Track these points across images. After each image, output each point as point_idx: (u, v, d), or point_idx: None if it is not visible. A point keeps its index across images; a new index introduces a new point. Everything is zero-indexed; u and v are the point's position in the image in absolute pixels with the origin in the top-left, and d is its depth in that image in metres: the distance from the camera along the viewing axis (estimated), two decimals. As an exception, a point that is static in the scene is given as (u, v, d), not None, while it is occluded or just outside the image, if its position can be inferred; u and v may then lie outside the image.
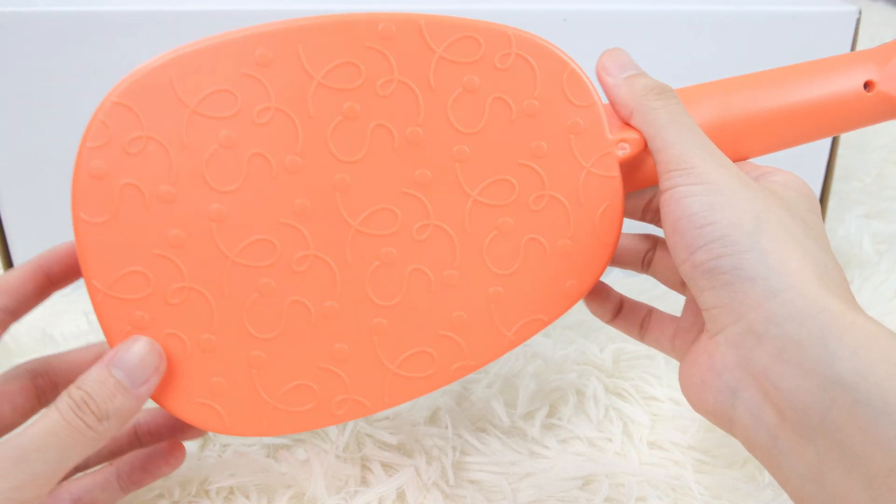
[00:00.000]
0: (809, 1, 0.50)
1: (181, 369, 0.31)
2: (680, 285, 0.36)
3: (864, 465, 0.24)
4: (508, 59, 0.32)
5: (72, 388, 0.28)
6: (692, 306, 0.34)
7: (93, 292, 0.30)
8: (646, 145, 0.32)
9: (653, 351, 0.46)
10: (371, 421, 0.40)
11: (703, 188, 0.28)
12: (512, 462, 0.38)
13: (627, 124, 0.33)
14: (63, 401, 0.28)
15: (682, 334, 0.34)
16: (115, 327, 0.30)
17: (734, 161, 0.33)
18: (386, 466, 0.38)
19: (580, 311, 0.49)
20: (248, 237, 0.31)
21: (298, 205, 0.31)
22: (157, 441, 0.35)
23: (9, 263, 0.52)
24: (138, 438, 0.35)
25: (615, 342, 0.47)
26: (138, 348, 0.29)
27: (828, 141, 0.53)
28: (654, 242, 0.37)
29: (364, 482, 0.37)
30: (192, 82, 0.30)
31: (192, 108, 0.30)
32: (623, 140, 0.33)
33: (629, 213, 0.36)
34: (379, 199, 0.31)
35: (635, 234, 0.37)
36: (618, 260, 0.37)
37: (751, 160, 0.35)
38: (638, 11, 0.48)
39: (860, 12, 0.49)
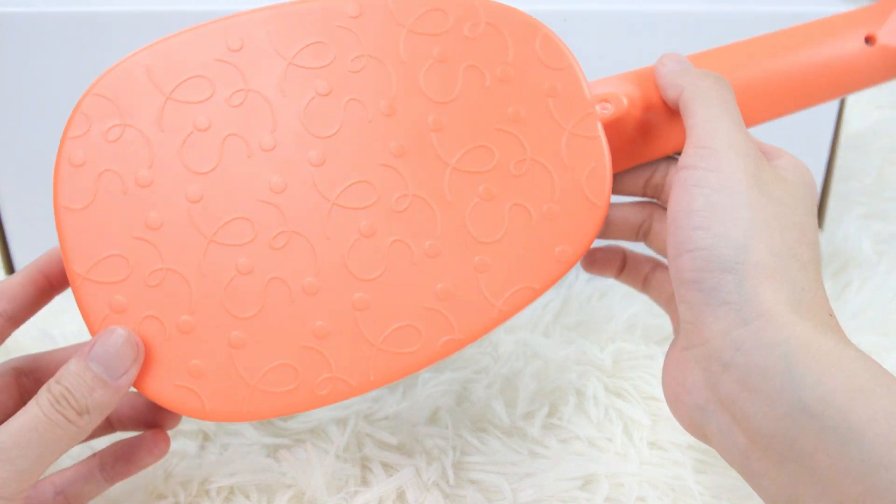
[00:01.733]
0: (809, 1, 0.50)
1: (160, 352, 0.30)
2: None
3: (834, 490, 0.24)
4: (478, 28, 0.32)
5: (51, 383, 0.28)
6: None
7: (72, 277, 0.30)
8: (633, 105, 0.33)
9: (653, 351, 0.46)
10: (371, 421, 0.40)
11: (714, 179, 0.28)
12: (512, 462, 0.38)
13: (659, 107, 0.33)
14: (43, 396, 0.28)
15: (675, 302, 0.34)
16: (94, 311, 0.30)
17: None
18: (386, 466, 0.38)
19: (580, 311, 0.49)
20: (225, 217, 0.31)
21: (274, 182, 0.31)
22: (131, 426, 0.35)
23: (9, 264, 0.52)
24: (110, 423, 0.35)
25: (615, 342, 0.47)
26: (115, 340, 0.29)
27: (828, 141, 0.53)
28: (651, 212, 0.36)
29: (364, 482, 0.37)
30: (166, 70, 0.31)
31: (168, 95, 0.31)
32: (604, 100, 0.33)
33: (631, 189, 0.36)
34: (355, 173, 0.31)
35: (631, 203, 0.37)
36: (611, 230, 0.37)
37: (761, 141, 0.34)
38: (638, 11, 0.48)
39: (860, 12, 0.49)
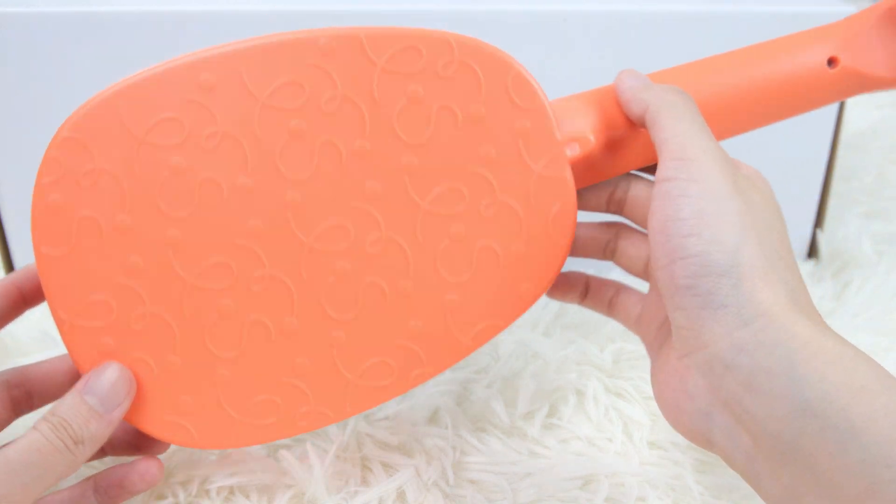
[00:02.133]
0: (809, 1, 0.50)
1: (150, 390, 0.32)
2: (644, 273, 0.36)
3: (835, 490, 0.25)
4: (451, 67, 0.32)
5: (48, 415, 0.30)
6: (654, 295, 0.35)
7: (59, 323, 0.31)
8: (598, 138, 0.33)
9: (653, 351, 0.46)
10: (371, 421, 0.40)
11: (697, 188, 0.28)
12: (512, 462, 0.38)
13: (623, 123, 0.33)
14: (42, 424, 0.29)
15: (647, 318, 0.35)
16: (83, 355, 0.32)
17: None
18: (386, 466, 0.38)
19: (580, 312, 0.49)
20: (205, 261, 0.31)
21: (252, 226, 0.31)
22: (122, 450, 0.36)
23: (9, 264, 0.52)
24: (101, 448, 0.35)
25: (615, 342, 0.47)
26: (109, 374, 0.31)
27: (828, 141, 0.53)
28: (618, 231, 0.37)
29: (364, 482, 0.37)
30: (139, 113, 0.30)
31: (141, 139, 0.30)
32: (573, 140, 0.33)
33: (594, 205, 0.36)
34: (330, 215, 0.32)
35: (597, 224, 0.37)
36: (578, 250, 0.37)
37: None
38: (638, 11, 0.48)
39: (860, 12, 0.49)
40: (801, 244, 0.57)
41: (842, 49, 0.34)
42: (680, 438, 0.40)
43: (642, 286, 0.37)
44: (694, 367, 0.29)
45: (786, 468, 0.26)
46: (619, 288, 0.37)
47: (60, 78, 0.47)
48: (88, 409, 0.30)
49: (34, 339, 0.46)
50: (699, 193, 0.28)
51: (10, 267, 0.52)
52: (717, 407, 0.28)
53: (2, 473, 0.27)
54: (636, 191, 0.35)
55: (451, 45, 0.32)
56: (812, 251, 0.57)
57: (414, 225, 0.32)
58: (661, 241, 0.29)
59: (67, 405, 0.30)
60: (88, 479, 0.34)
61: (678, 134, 0.30)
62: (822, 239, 0.56)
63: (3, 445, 0.29)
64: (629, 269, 0.37)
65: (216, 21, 0.46)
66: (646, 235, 0.37)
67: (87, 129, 0.31)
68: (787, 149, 0.52)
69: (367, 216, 0.32)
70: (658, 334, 0.34)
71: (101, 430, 0.30)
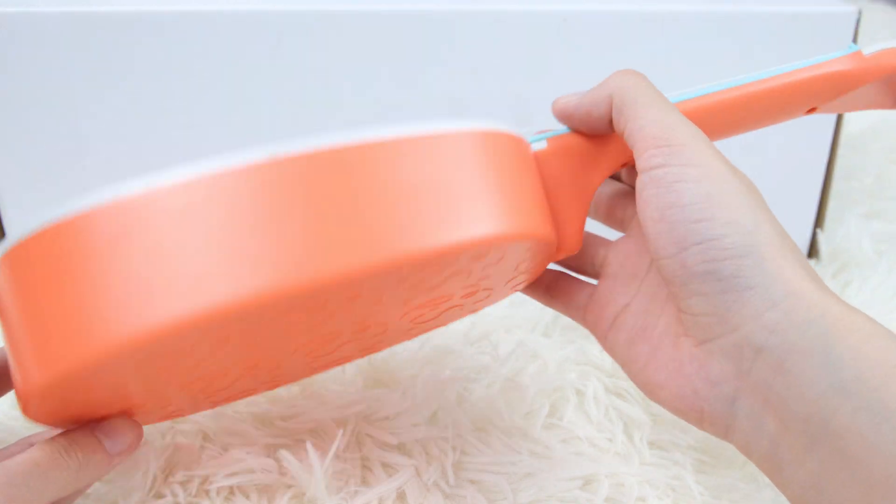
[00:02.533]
0: (809, 1, 0.50)
1: (149, 416, 0.35)
2: (595, 274, 0.35)
3: (864, 472, 0.24)
4: (481, 264, 0.28)
5: (57, 437, 0.30)
6: (611, 283, 0.34)
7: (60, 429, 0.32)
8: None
9: (653, 351, 0.46)
10: (371, 421, 0.40)
11: (696, 172, 0.27)
12: (512, 462, 0.38)
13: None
14: (46, 445, 0.30)
15: (597, 308, 0.34)
16: None
17: None
18: (386, 466, 0.38)
19: (580, 311, 0.49)
20: (205, 388, 0.33)
21: (250, 367, 0.32)
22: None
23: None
24: None
25: (615, 342, 0.47)
26: (121, 422, 0.32)
27: (828, 141, 0.53)
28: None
29: (364, 482, 0.37)
30: (130, 376, 0.27)
31: (139, 375, 0.27)
32: (566, 251, 0.32)
33: None
34: (327, 349, 0.33)
35: None
36: None
37: None
38: (638, 12, 0.48)
39: (860, 12, 0.49)
40: (801, 244, 0.57)
41: (824, 103, 0.35)
42: (680, 438, 0.40)
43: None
44: (718, 352, 0.28)
45: (813, 452, 0.25)
46: (558, 275, 0.36)
47: (60, 78, 0.47)
48: (97, 441, 0.31)
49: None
50: (697, 177, 0.27)
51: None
52: (744, 391, 0.27)
53: (3, 484, 0.28)
54: (607, 189, 0.35)
55: (490, 246, 0.27)
56: (812, 251, 0.57)
57: (399, 322, 0.33)
58: (662, 231, 0.28)
59: (77, 433, 0.31)
60: None
61: (655, 120, 0.29)
62: (822, 239, 0.56)
63: (11, 459, 0.29)
64: (584, 272, 0.36)
65: (216, 21, 0.46)
66: (593, 234, 0.36)
67: (69, 390, 0.26)
68: (787, 149, 0.52)
69: (361, 336, 0.33)
70: (613, 325, 0.33)
71: (103, 466, 0.31)
